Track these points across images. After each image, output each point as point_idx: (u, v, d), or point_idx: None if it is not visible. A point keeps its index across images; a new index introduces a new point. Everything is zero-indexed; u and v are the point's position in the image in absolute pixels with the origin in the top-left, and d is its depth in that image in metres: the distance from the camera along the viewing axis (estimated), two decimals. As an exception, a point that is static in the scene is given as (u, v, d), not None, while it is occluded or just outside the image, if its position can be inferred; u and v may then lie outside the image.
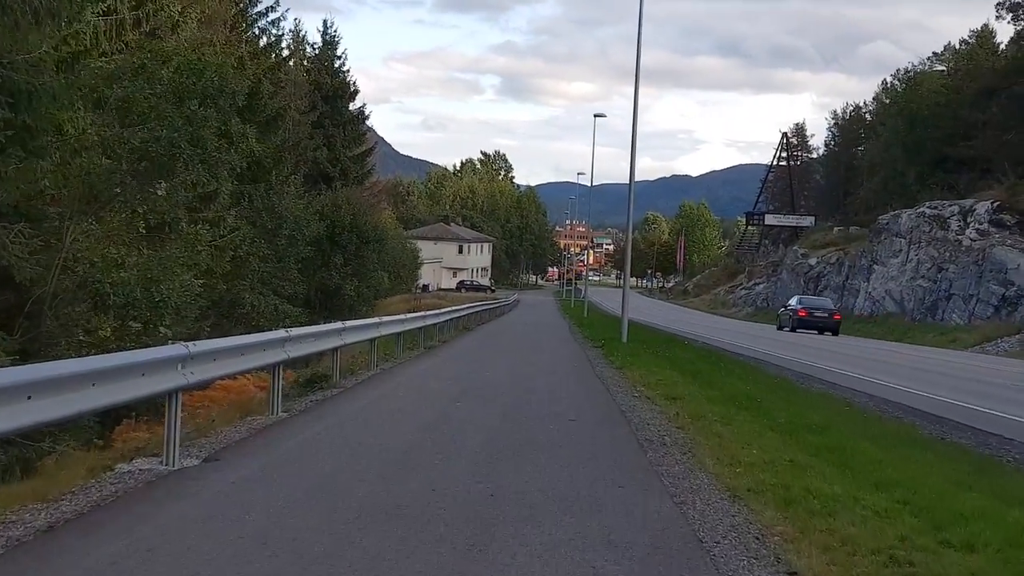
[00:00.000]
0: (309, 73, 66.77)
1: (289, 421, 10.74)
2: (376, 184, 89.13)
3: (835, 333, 47.87)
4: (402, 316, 22.45)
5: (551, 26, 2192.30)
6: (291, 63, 65.84)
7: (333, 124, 66.25)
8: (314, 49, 68.63)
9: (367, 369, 18.02)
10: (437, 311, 29.03)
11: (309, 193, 53.04)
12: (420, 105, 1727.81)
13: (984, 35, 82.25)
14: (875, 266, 62.35)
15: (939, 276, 52.61)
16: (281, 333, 12.09)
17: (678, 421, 11.42)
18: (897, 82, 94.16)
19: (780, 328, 51.51)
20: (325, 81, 66.26)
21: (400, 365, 19.69)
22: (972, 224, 53.55)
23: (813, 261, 78.13)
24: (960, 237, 53.35)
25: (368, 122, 72.40)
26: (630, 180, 32.13)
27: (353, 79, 68.97)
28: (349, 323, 16.03)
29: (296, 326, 32.54)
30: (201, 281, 19.60)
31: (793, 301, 53.06)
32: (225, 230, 29.09)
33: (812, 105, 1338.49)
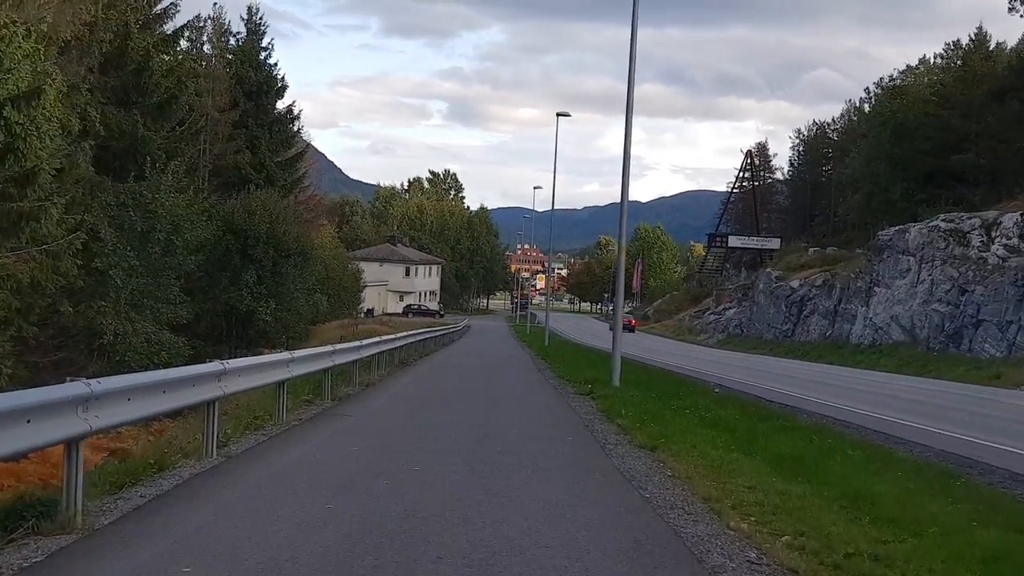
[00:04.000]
0: (230, 66, 58.14)
1: None
2: (312, 198, 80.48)
3: (632, 331, 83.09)
4: (287, 355, 13.98)
5: (496, 52, 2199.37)
6: (205, 48, 57.35)
7: (258, 124, 57.59)
8: (237, 40, 59.84)
9: (197, 458, 9.69)
10: (357, 343, 20.55)
11: (216, 194, 44.36)
12: (368, 130, 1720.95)
13: (979, 40, 75.42)
14: (876, 288, 54.55)
15: (962, 299, 44.86)
16: None
17: None
18: (880, 91, 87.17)
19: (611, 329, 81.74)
20: (248, 75, 57.56)
21: (267, 442, 11.31)
22: (998, 239, 45.97)
23: (795, 284, 70.40)
24: (985, 254, 45.78)
25: (298, 122, 63.55)
26: (622, 197, 24.17)
27: (281, 73, 60.26)
28: (101, 384, 7.30)
29: (177, 361, 23.69)
30: None
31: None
32: (55, 226, 20.43)
33: (758, 132, 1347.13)
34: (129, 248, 25.13)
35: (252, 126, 57.18)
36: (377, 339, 23.88)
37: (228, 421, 12.63)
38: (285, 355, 13.79)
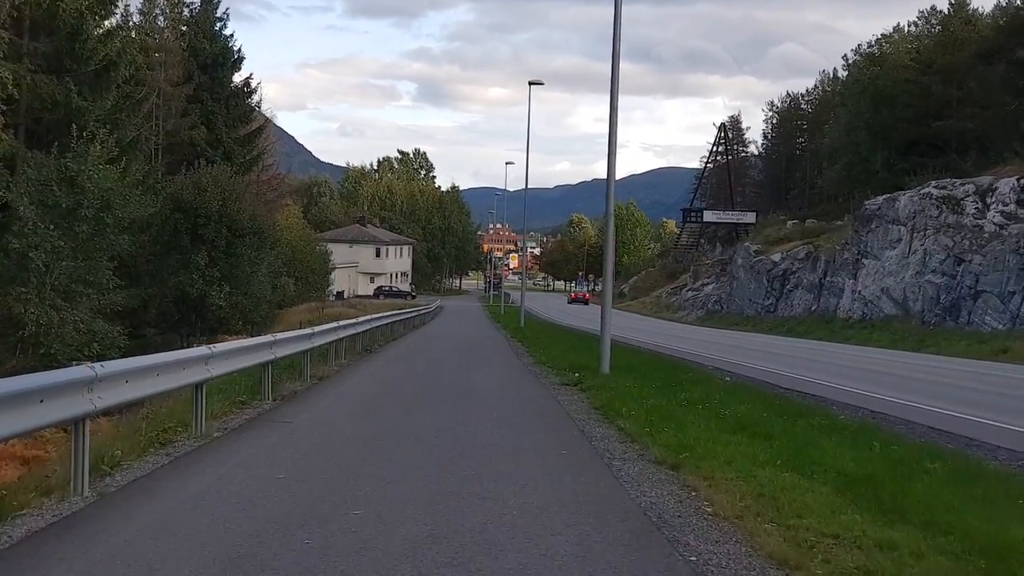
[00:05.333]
0: (184, 37, 54.98)
1: None
2: (276, 177, 77.39)
3: (586, 304, 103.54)
4: (205, 350, 11.09)
5: (464, 31, 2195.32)
6: (158, 19, 54.24)
7: (213, 98, 54.48)
8: (191, 10, 56.59)
9: (61, 496, 7.08)
10: (308, 330, 17.75)
11: (169, 172, 41.34)
12: (337, 112, 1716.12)
13: (959, 4, 73.04)
14: (864, 260, 52.13)
15: (959, 270, 42.48)
16: None
17: None
18: (859, 58, 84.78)
19: (569, 303, 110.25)
20: (203, 47, 54.41)
21: (168, 466, 8.59)
22: (995, 206, 43.60)
23: (777, 257, 67.97)
24: (980, 221, 43.41)
25: (256, 96, 60.35)
26: (608, 171, 21.52)
27: (237, 45, 57.04)
28: None
29: (112, 353, 21.11)
30: None
31: (572, 291, 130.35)
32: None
33: (726, 108, 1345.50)
34: (52, 227, 22.20)
35: (207, 100, 54.15)
36: (334, 324, 21.12)
37: (127, 434, 9.96)
38: (201, 351, 10.99)
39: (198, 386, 10.71)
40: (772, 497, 7.18)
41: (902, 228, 48.65)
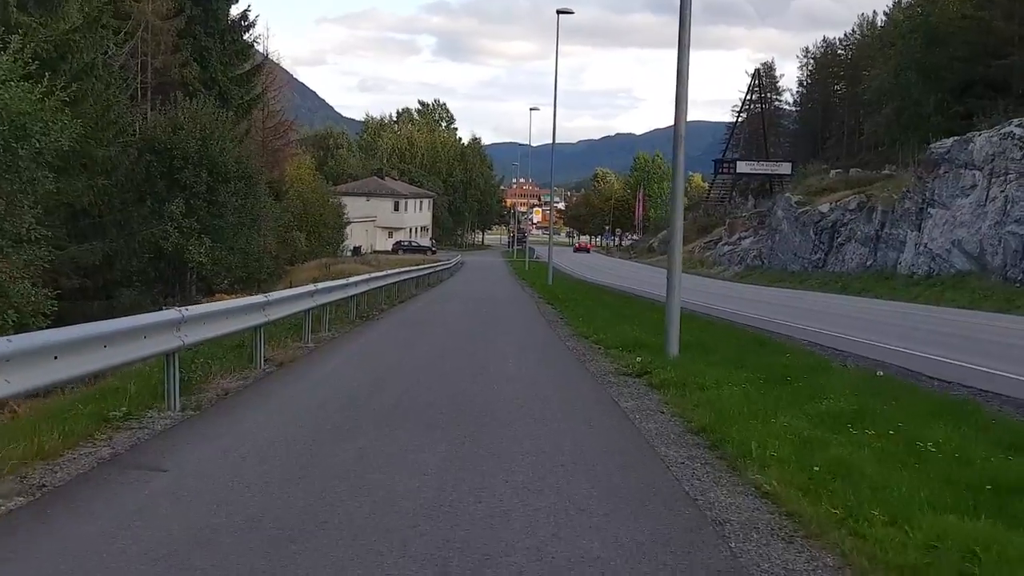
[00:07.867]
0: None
1: None
2: (283, 124, 72.15)
3: (588, 252, 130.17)
4: (3, 344, 6.07)
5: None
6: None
7: (207, 33, 49.21)
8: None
9: None
10: (263, 297, 12.62)
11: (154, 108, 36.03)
12: (356, 66, 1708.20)
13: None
14: (930, 210, 46.52)
15: (1050, 219, 37.05)
16: None
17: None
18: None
19: (574, 252, 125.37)
20: (195, -25, 49.09)
21: None
22: (1089, 146, 38.09)
23: (825, 208, 62.42)
24: (1073, 164, 37.94)
25: (255, 31, 55.03)
26: (676, 115, 16.13)
27: (234, -26, 51.64)
28: None
29: (35, 323, 15.68)
30: None
31: (575, 242, 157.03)
32: None
33: (749, 61, 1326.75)
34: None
35: (200, 35, 48.93)
36: (309, 288, 16.00)
37: None
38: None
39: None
40: None
41: (977, 173, 43.02)
